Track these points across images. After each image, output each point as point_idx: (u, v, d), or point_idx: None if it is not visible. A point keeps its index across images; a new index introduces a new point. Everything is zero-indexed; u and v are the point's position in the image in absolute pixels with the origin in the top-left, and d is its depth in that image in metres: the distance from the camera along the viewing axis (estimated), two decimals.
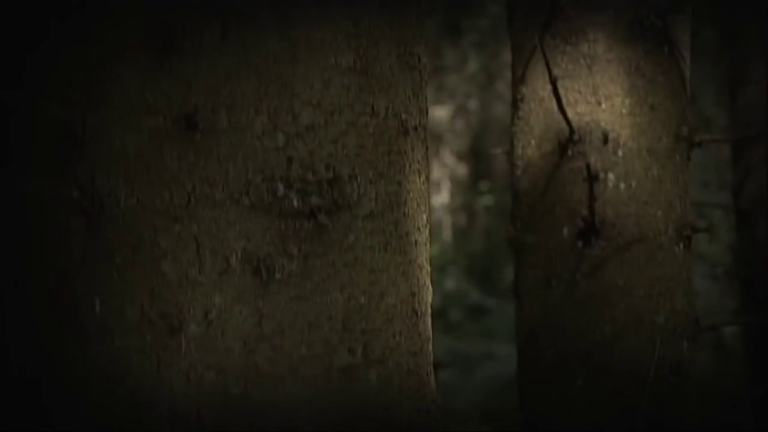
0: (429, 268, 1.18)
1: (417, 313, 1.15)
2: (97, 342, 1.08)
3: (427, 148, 1.18)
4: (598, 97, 2.14)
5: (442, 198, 12.74)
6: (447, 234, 12.60)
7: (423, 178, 1.16)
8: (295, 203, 1.05)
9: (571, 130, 2.13)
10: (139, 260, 1.07)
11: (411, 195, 1.13)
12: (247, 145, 1.05)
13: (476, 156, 12.78)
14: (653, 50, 2.15)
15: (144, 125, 1.07)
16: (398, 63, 1.11)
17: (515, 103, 2.28)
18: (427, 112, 1.17)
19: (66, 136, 1.10)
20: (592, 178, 2.09)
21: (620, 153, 2.14)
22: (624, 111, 2.14)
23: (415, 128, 1.14)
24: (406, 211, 1.13)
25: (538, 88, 2.21)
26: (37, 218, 1.12)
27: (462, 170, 13.20)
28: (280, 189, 1.05)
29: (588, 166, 2.10)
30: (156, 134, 1.06)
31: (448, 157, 12.97)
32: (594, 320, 2.18)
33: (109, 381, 1.05)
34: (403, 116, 1.12)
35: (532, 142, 2.22)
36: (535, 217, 2.23)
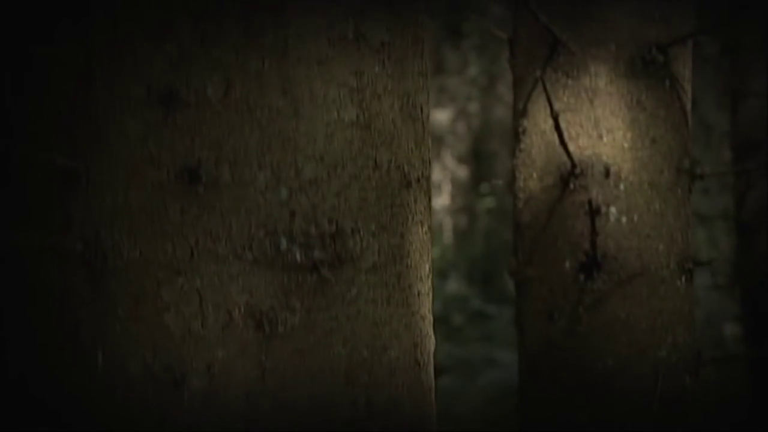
0: (431, 318, 1.18)
1: (420, 364, 1.15)
2: (100, 395, 1.08)
3: (429, 199, 1.18)
4: (599, 130, 2.14)
5: (443, 200, 12.76)
6: (448, 236, 12.61)
7: (425, 228, 1.16)
8: (298, 257, 1.06)
9: (573, 164, 2.13)
10: (141, 313, 1.07)
11: (413, 246, 1.13)
12: (250, 199, 1.05)
13: (477, 158, 12.81)
14: (654, 84, 2.15)
15: (147, 178, 1.07)
16: (401, 115, 1.12)
17: (517, 136, 2.28)
18: (430, 163, 1.17)
19: (70, 188, 1.10)
20: (593, 211, 2.09)
21: (622, 186, 2.14)
22: (625, 145, 2.14)
23: (418, 180, 1.14)
24: (409, 263, 1.13)
25: (540, 120, 2.21)
26: (40, 270, 1.12)
27: (463, 172, 13.22)
28: (283, 243, 1.06)
29: (590, 199, 2.10)
30: (159, 187, 1.06)
31: (449, 159, 12.99)
32: (596, 354, 2.18)
33: None
34: (406, 168, 1.12)
35: (534, 174, 2.22)
36: (537, 249, 2.23)
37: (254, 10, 1.05)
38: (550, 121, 2.13)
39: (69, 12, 1.11)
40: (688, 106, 2.20)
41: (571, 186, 2.15)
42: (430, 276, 1.19)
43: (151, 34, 1.06)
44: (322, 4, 1.07)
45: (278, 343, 1.06)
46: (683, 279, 2.19)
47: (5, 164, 1.17)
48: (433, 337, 1.19)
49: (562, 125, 2.10)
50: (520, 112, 2.27)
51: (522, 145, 2.26)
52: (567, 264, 2.19)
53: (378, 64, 1.09)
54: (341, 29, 1.07)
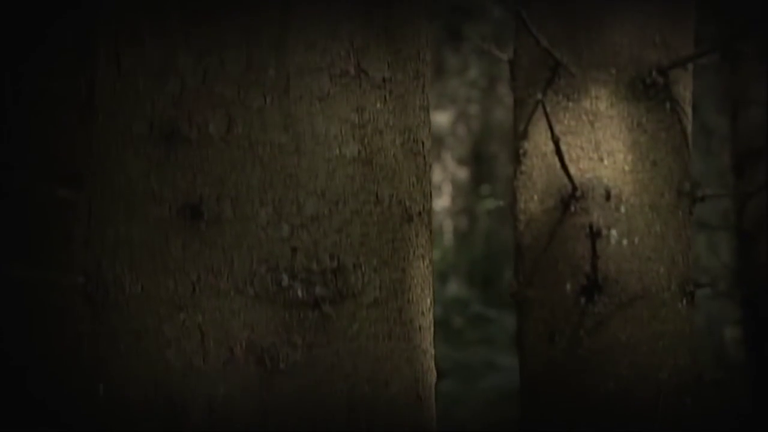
0: (433, 352, 1.18)
1: (421, 398, 1.15)
2: (101, 429, 1.08)
3: (430, 232, 1.18)
4: (600, 153, 2.15)
5: (443, 202, 12.78)
6: (448, 238, 12.62)
7: (426, 262, 1.16)
8: (300, 293, 1.06)
9: (574, 186, 2.14)
10: (143, 348, 1.07)
11: (415, 281, 1.14)
12: (251, 235, 1.06)
13: (477, 160, 12.84)
14: (655, 107, 2.16)
15: (149, 214, 1.07)
16: (402, 150, 1.12)
17: (517, 158, 2.28)
18: (431, 196, 1.18)
19: (72, 223, 1.11)
20: (594, 234, 2.09)
21: (623, 209, 2.14)
22: (626, 167, 2.15)
23: (419, 214, 1.15)
24: (410, 298, 1.13)
25: (541, 143, 2.22)
26: (42, 303, 1.12)
27: (463, 174, 13.24)
28: (285, 279, 1.06)
29: (590, 222, 2.10)
30: (161, 223, 1.07)
31: (449, 161, 13.01)
32: (597, 376, 2.18)
33: None
34: (407, 203, 1.13)
35: (535, 197, 2.23)
36: (538, 271, 2.24)
37: (256, 46, 1.06)
38: (551, 144, 2.13)
39: (72, 46, 1.12)
40: (689, 129, 2.21)
41: (572, 208, 2.16)
42: (431, 309, 1.19)
43: (154, 70, 1.07)
44: (324, 41, 1.07)
45: (280, 379, 1.06)
46: (684, 301, 2.19)
47: (6, 196, 1.18)
48: (434, 370, 1.20)
49: (563, 148, 2.10)
50: (520, 135, 2.27)
51: (523, 167, 2.26)
52: (568, 286, 2.19)
53: (379, 99, 1.10)
54: (343, 65, 1.08)
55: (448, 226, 12.70)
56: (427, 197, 1.16)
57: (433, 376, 1.19)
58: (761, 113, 4.90)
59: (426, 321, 1.17)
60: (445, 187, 12.79)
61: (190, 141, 1.06)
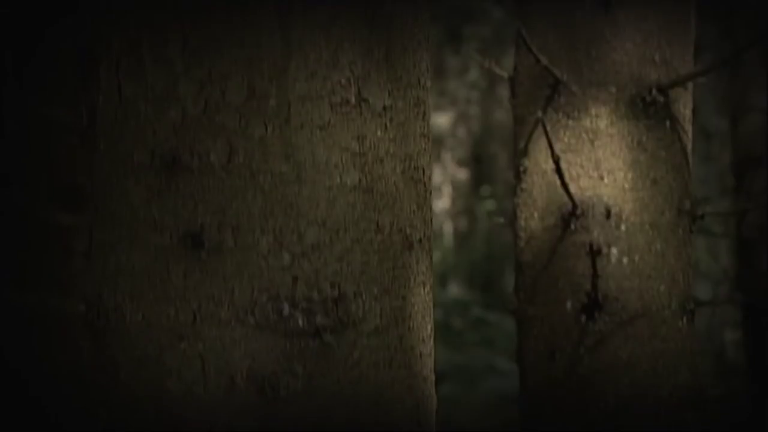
0: (434, 378, 1.18)
1: (421, 424, 1.15)
2: None
3: (430, 259, 1.18)
4: (600, 171, 2.15)
5: (443, 203, 12.79)
6: (448, 239, 12.63)
7: (427, 289, 1.16)
8: (300, 322, 1.06)
9: (574, 205, 2.14)
10: (143, 377, 1.07)
11: (415, 308, 1.14)
12: (252, 264, 1.06)
13: (478, 161, 12.85)
14: (655, 125, 2.16)
15: (151, 242, 1.07)
16: (403, 178, 1.12)
17: (518, 175, 2.29)
18: (431, 223, 1.18)
19: (73, 250, 1.11)
20: (594, 252, 2.10)
21: (623, 227, 2.14)
22: (626, 185, 2.15)
23: (420, 241, 1.15)
24: (411, 325, 1.13)
25: (541, 161, 2.22)
26: (42, 331, 1.12)
27: (463, 175, 13.26)
28: (286, 308, 1.06)
29: (591, 240, 2.10)
30: (162, 252, 1.07)
31: (449, 162, 13.03)
32: (597, 394, 2.18)
33: None
34: (408, 230, 1.13)
35: (535, 214, 2.23)
36: (539, 289, 2.24)
37: (257, 75, 1.06)
38: (551, 161, 2.13)
39: (74, 74, 1.12)
40: (689, 147, 2.21)
41: (573, 226, 2.16)
42: (432, 336, 1.19)
43: (155, 99, 1.07)
44: (324, 70, 1.07)
45: (280, 407, 1.06)
46: (684, 319, 2.19)
47: (7, 222, 1.18)
48: (435, 397, 1.20)
49: (563, 166, 2.10)
50: (521, 152, 2.27)
51: (523, 185, 2.26)
52: (568, 304, 2.19)
53: (380, 128, 1.10)
54: (343, 94, 1.08)
55: (447, 227, 12.71)
56: (428, 224, 1.17)
57: (433, 404, 1.19)
58: (761, 119, 4.90)
59: (426, 348, 1.17)
60: (445, 187, 12.80)
61: (192, 170, 1.06)
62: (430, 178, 1.17)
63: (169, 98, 1.06)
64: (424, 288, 1.16)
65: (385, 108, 1.10)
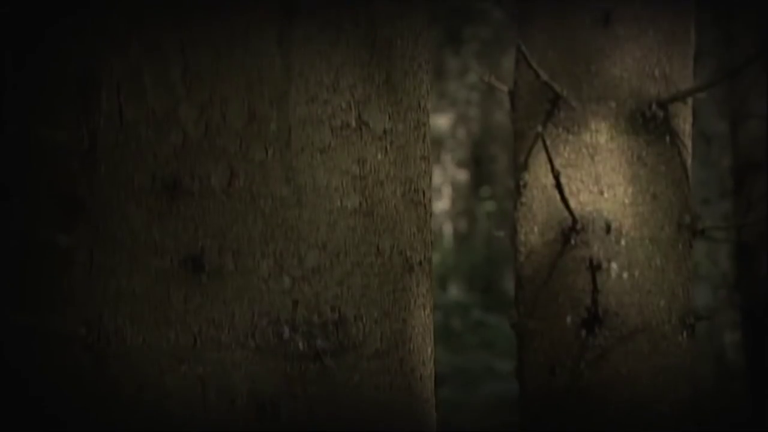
0: (434, 400, 1.18)
1: None
2: None
3: (431, 280, 1.19)
4: (600, 186, 2.15)
5: (443, 204, 12.80)
6: (448, 241, 12.63)
7: (428, 311, 1.17)
8: (301, 346, 1.06)
9: (574, 219, 2.14)
10: (144, 400, 1.07)
11: (416, 330, 1.14)
12: (253, 287, 1.06)
13: (477, 162, 12.86)
14: (655, 140, 2.16)
15: (151, 265, 1.07)
16: (403, 201, 1.12)
17: (518, 189, 2.29)
18: (431, 245, 1.18)
19: (73, 273, 1.11)
20: (594, 267, 2.10)
21: (623, 242, 2.15)
22: (626, 200, 2.15)
23: (420, 263, 1.15)
24: (412, 348, 1.13)
25: (541, 175, 2.22)
26: (42, 352, 1.13)
27: (463, 176, 13.27)
28: (286, 332, 1.06)
29: (591, 255, 2.10)
30: (163, 275, 1.07)
31: (449, 163, 13.04)
32: (597, 409, 2.18)
33: None
34: (408, 253, 1.13)
35: (535, 229, 2.23)
36: (539, 304, 2.24)
37: (258, 99, 1.06)
38: (551, 176, 2.13)
39: (75, 96, 1.12)
40: (689, 162, 2.21)
41: (572, 241, 2.16)
42: (432, 357, 1.19)
43: (156, 122, 1.07)
44: (325, 93, 1.08)
45: (281, 430, 1.06)
46: (684, 334, 2.19)
47: (8, 244, 1.18)
48: (434, 416, 1.20)
49: (563, 181, 2.11)
50: (520, 166, 2.28)
51: (523, 199, 2.26)
52: (568, 319, 2.19)
53: (380, 151, 1.10)
54: (344, 117, 1.08)
55: (447, 229, 12.72)
56: (428, 246, 1.17)
57: (433, 424, 1.19)
58: (761, 124, 4.90)
59: (427, 370, 1.17)
60: (445, 188, 12.81)
61: (192, 193, 1.06)
62: (430, 200, 1.18)
63: (169, 121, 1.07)
64: (424, 310, 1.16)
65: (385, 131, 1.11)
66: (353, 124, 1.08)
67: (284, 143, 1.06)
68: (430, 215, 1.18)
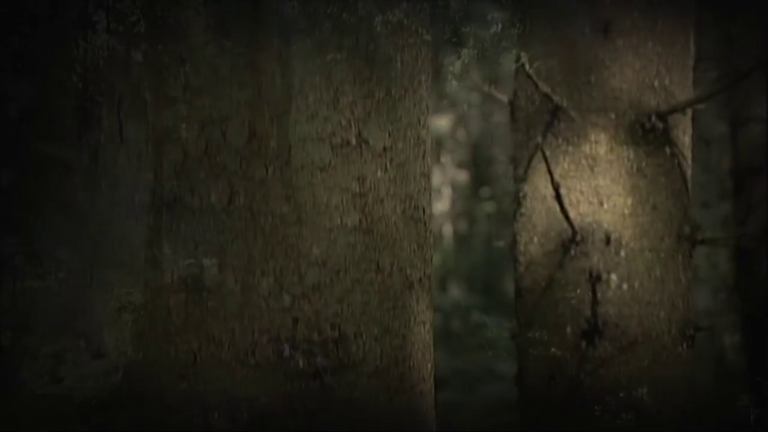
0: (434, 415, 1.18)
1: None
2: None
3: (431, 297, 1.19)
4: (600, 197, 2.15)
5: (443, 205, 12.79)
6: (448, 242, 12.60)
7: (427, 327, 1.17)
8: (301, 364, 1.06)
9: (574, 230, 2.14)
10: (145, 414, 1.07)
11: (415, 347, 1.14)
12: (253, 305, 1.06)
13: (477, 163, 12.84)
14: (654, 151, 2.16)
15: (151, 282, 1.07)
16: (403, 218, 1.13)
17: (518, 200, 2.29)
18: (431, 262, 1.18)
19: (74, 290, 1.11)
20: (594, 278, 2.10)
21: (623, 253, 2.14)
22: (626, 211, 2.15)
23: (420, 280, 1.15)
24: (411, 364, 1.13)
25: (540, 186, 2.22)
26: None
27: (463, 177, 13.24)
28: (286, 350, 1.06)
29: (590, 266, 2.10)
30: (163, 291, 1.07)
31: (449, 164, 13.03)
32: (597, 418, 2.18)
33: None
34: (408, 270, 1.13)
35: (535, 239, 2.23)
36: (539, 314, 2.24)
37: (257, 117, 1.06)
38: (551, 187, 2.14)
39: (75, 114, 1.13)
40: (689, 173, 2.21)
41: (572, 252, 2.16)
42: (432, 374, 1.19)
43: (157, 140, 1.07)
44: (325, 111, 1.08)
45: None
46: (684, 345, 2.19)
47: (6, 262, 1.18)
48: (435, 430, 1.20)
49: (563, 192, 2.11)
50: (520, 177, 2.28)
51: (523, 210, 2.26)
52: (568, 329, 2.19)
53: (380, 168, 1.10)
54: (344, 135, 1.08)
55: (447, 230, 12.69)
56: (428, 263, 1.17)
57: None
58: (761, 128, 4.89)
59: (427, 386, 1.17)
60: (444, 189, 12.80)
61: (192, 210, 1.06)
62: (430, 217, 1.18)
63: (170, 139, 1.07)
64: (424, 327, 1.16)
65: (385, 149, 1.11)
66: (353, 141, 1.08)
67: (284, 161, 1.06)
68: (430, 232, 1.18)
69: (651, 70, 2.16)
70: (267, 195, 1.06)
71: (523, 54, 2.16)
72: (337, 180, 1.08)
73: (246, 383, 1.06)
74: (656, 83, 2.16)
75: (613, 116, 2.15)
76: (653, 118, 2.14)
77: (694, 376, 2.24)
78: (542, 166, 2.18)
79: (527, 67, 2.11)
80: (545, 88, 2.13)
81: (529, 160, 2.24)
